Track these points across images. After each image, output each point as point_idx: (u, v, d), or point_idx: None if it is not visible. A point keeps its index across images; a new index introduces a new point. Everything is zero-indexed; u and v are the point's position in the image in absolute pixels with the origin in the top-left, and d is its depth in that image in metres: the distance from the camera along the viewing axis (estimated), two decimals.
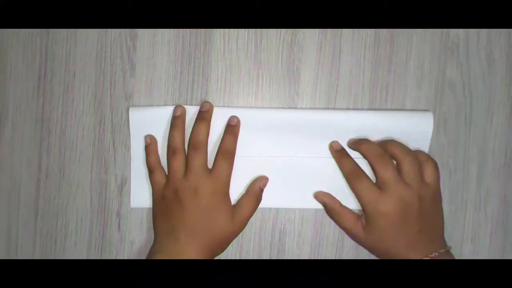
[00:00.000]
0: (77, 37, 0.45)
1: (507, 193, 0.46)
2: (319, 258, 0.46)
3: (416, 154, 0.43)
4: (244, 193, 0.44)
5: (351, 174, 0.43)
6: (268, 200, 0.45)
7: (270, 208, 0.46)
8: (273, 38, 0.46)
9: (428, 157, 0.43)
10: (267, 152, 0.45)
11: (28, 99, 0.45)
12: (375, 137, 0.45)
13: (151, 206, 0.45)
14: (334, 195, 0.45)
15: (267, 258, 0.46)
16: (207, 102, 0.44)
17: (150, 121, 0.45)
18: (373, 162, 0.43)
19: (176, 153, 0.43)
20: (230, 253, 0.46)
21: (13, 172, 0.45)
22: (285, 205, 0.46)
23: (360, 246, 0.45)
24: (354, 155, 0.45)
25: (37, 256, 0.45)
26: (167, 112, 0.45)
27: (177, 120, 0.44)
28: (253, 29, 0.46)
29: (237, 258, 0.46)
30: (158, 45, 0.45)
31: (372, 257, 0.45)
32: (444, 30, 0.46)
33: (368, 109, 0.46)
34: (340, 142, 0.45)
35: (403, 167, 0.42)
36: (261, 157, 0.45)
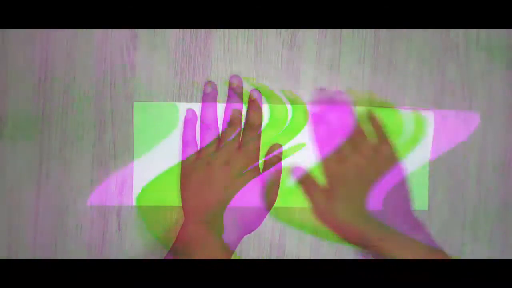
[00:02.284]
0: (77, 37, 0.45)
1: (507, 193, 0.46)
2: (319, 258, 0.46)
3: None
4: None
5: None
6: None
7: None
8: (273, 38, 0.46)
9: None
10: None
11: (28, 99, 0.45)
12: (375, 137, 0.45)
13: (154, 204, 0.45)
14: None
15: (267, 258, 0.46)
16: (236, 76, 0.45)
17: (155, 117, 0.45)
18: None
19: (210, 129, 0.44)
20: None
21: (13, 172, 0.45)
22: None
23: None
24: None
25: (37, 256, 0.45)
26: (171, 108, 0.45)
27: (207, 97, 0.45)
28: (253, 29, 0.46)
29: (237, 258, 0.46)
30: (158, 45, 0.45)
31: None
32: (444, 30, 0.46)
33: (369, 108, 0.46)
34: None
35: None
36: None
